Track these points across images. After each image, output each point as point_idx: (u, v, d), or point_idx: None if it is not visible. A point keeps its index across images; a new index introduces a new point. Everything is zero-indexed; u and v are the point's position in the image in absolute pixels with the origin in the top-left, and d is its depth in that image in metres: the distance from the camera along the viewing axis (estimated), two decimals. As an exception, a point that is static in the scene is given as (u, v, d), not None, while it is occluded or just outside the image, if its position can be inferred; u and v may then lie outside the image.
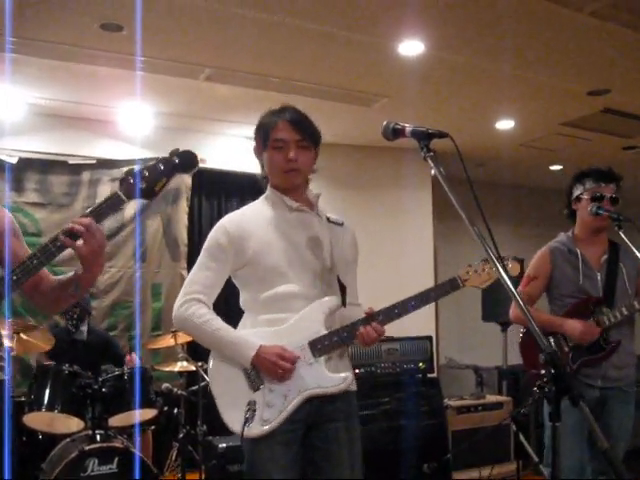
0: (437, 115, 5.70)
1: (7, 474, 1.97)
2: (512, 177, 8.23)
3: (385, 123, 2.12)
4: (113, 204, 2.01)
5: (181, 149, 2.10)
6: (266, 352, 2.33)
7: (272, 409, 2.32)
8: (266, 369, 2.33)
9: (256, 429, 2.29)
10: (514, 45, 4.42)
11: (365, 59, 4.68)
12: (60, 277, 2.19)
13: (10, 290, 1.98)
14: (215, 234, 2.48)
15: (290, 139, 2.43)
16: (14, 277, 1.97)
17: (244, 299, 2.52)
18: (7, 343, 2.18)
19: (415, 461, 4.68)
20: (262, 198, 2.57)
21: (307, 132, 2.47)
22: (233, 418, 2.33)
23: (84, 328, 4.92)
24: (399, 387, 5.09)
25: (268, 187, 2.55)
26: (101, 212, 2.00)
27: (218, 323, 2.40)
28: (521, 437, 4.60)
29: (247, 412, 2.28)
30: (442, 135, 1.97)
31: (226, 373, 2.39)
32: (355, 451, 2.46)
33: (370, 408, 4.86)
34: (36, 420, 3.97)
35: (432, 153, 1.97)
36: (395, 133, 2.11)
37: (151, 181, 2.02)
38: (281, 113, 2.48)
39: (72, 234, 1.96)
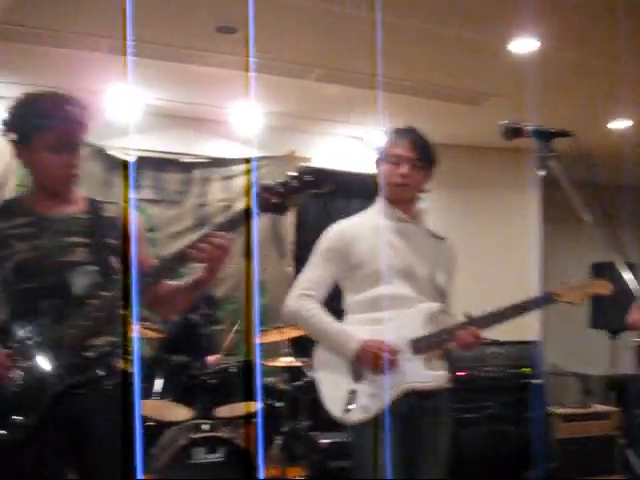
0: (546, 114, 5.54)
1: (139, 474, 2.08)
2: (630, 178, 7.90)
3: (503, 122, 2.12)
4: (246, 216, 2.11)
5: (313, 168, 2.18)
6: (369, 345, 2.47)
7: (372, 399, 2.46)
8: (368, 361, 2.46)
9: (355, 416, 2.45)
10: (635, 43, 4.27)
11: (474, 57, 4.64)
12: (178, 283, 2.27)
13: (139, 293, 2.09)
14: (327, 238, 2.67)
15: (406, 157, 2.60)
16: (147, 279, 2.10)
17: (347, 301, 2.67)
18: (136, 341, 2.28)
19: (516, 468, 4.59)
20: (372, 207, 2.74)
21: (424, 153, 2.62)
22: (334, 404, 2.49)
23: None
24: (502, 392, 5.00)
25: (380, 198, 2.71)
26: (234, 223, 2.12)
27: (325, 317, 2.57)
28: (629, 451, 4.43)
29: (348, 400, 2.44)
30: (565, 134, 1.94)
31: (330, 363, 2.55)
32: (442, 448, 2.57)
33: (472, 412, 4.79)
34: (147, 407, 4.13)
35: (555, 153, 1.95)
36: (514, 132, 2.10)
37: (284, 197, 2.09)
38: (405, 131, 2.66)
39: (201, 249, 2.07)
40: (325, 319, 2.56)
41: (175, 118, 5.89)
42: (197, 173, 6.03)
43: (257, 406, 4.29)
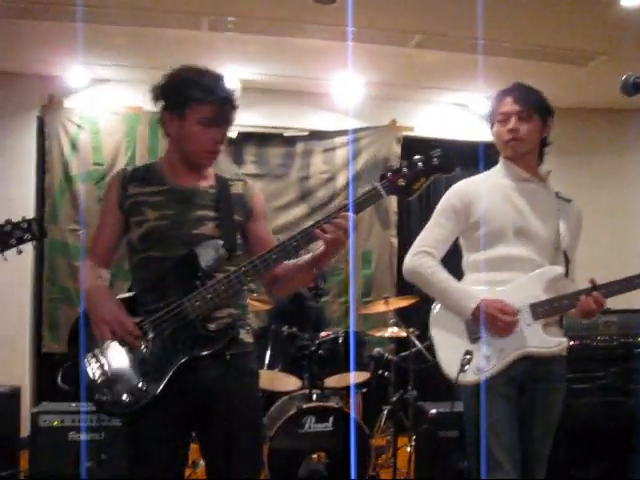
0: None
1: (353, 474, 2.16)
2: None
3: (625, 77, 2.04)
4: (372, 197, 2.11)
5: (440, 152, 2.14)
6: (488, 305, 2.44)
7: (487, 361, 2.43)
8: (486, 322, 2.43)
9: (470, 377, 2.43)
10: None
11: (582, 15, 4.43)
12: (297, 261, 2.28)
13: (265, 269, 2.14)
14: (448, 196, 2.65)
15: (511, 111, 2.56)
16: (273, 256, 2.12)
17: (467, 260, 2.66)
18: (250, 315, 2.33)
19: (627, 439, 4.44)
20: (495, 167, 2.70)
21: (528, 103, 2.57)
22: (449, 364, 2.48)
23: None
24: (616, 362, 4.83)
25: (500, 158, 2.67)
26: (360, 204, 2.11)
27: (444, 275, 2.57)
28: None
29: (463, 360, 2.41)
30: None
31: (448, 322, 2.54)
32: (554, 415, 2.54)
33: (584, 382, 4.65)
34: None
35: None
36: (637, 87, 2.01)
37: (410, 179, 2.08)
38: (508, 89, 2.63)
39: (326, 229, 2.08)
40: (445, 276, 2.55)
41: (275, 92, 5.94)
42: (299, 146, 6.08)
43: (353, 377, 4.31)
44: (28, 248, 2.19)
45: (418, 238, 2.66)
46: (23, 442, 4.11)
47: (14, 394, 4.14)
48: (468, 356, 2.42)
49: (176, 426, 2.21)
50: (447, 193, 2.67)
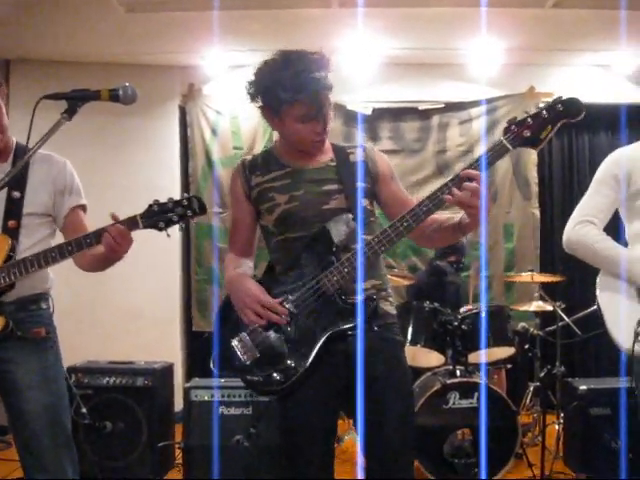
0: None
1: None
2: None
3: None
4: (498, 152, 2.04)
5: (564, 97, 2.04)
6: None
7: None
8: None
9: None
10: None
11: None
12: (444, 220, 2.25)
13: (397, 238, 2.11)
14: (608, 165, 2.56)
15: None
16: (404, 224, 2.09)
17: (630, 231, 2.55)
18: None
19: None
20: None
21: None
22: (621, 334, 2.38)
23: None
24: None
25: None
26: (487, 161, 2.04)
27: (612, 242, 2.48)
28: None
29: (638, 329, 2.30)
30: None
31: (618, 291, 2.45)
32: None
33: None
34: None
35: None
36: None
37: (536, 129, 2.01)
38: None
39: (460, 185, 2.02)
40: (613, 244, 2.46)
41: (409, 66, 5.86)
42: (435, 119, 5.98)
43: (509, 352, 4.21)
44: (175, 232, 2.26)
45: (577, 208, 2.57)
46: (177, 416, 4.34)
47: (168, 370, 4.36)
48: None
49: (325, 400, 2.25)
50: (606, 161, 2.56)
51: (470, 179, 2.00)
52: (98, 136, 5.50)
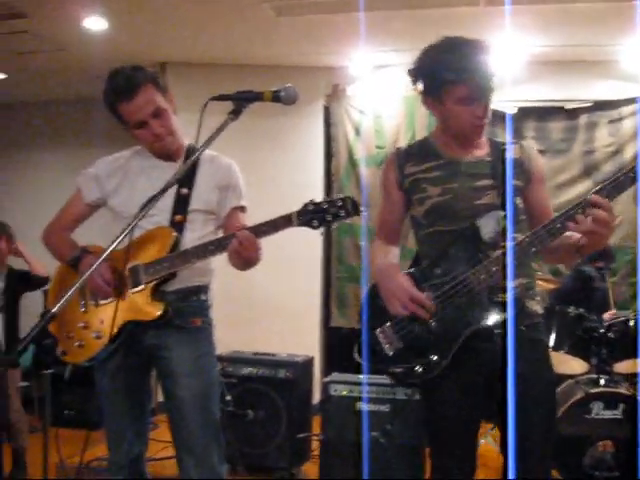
0: None
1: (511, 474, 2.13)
2: None
3: None
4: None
5: None
6: None
7: None
8: None
9: None
10: None
11: None
12: (564, 238, 2.16)
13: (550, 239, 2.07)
14: None
15: None
16: (557, 225, 2.04)
17: None
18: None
19: None
20: None
21: None
22: None
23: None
24: None
25: None
26: (620, 185, 1.98)
27: None
28: None
29: None
30: None
31: None
32: None
33: None
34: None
35: None
36: None
37: None
38: None
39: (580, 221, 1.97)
40: None
41: (556, 63, 5.68)
42: (583, 119, 5.76)
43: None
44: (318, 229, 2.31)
45: None
46: (314, 408, 4.45)
47: (309, 364, 4.47)
48: None
49: (467, 396, 2.25)
50: None
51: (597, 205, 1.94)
52: (249, 137, 5.70)
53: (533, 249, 2.10)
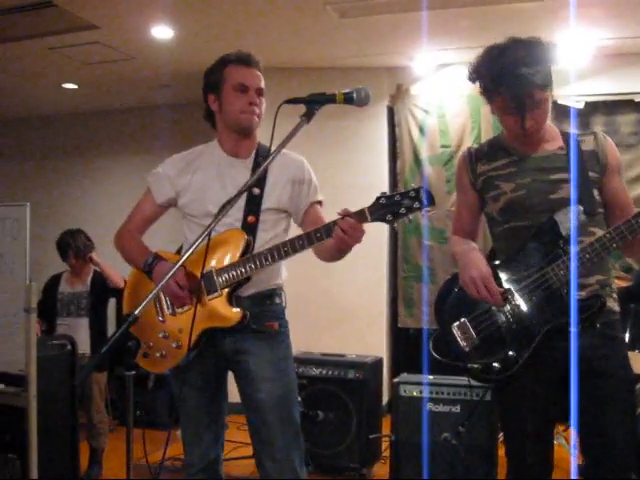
0: None
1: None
2: None
3: None
4: None
5: None
6: None
7: None
8: None
9: None
10: None
11: None
12: None
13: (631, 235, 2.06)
14: None
15: None
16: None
17: None
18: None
19: None
20: None
21: None
22: None
23: None
24: None
25: None
26: None
27: None
28: None
29: None
30: None
31: None
32: None
33: None
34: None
35: None
36: None
37: None
38: None
39: None
40: None
41: (625, 56, 5.55)
42: (654, 112, 5.62)
43: None
44: (384, 228, 2.29)
45: None
46: (383, 409, 4.44)
47: (378, 364, 4.47)
48: None
49: (545, 392, 2.24)
50: None
51: None
52: (313, 139, 5.73)
53: (614, 245, 2.07)
